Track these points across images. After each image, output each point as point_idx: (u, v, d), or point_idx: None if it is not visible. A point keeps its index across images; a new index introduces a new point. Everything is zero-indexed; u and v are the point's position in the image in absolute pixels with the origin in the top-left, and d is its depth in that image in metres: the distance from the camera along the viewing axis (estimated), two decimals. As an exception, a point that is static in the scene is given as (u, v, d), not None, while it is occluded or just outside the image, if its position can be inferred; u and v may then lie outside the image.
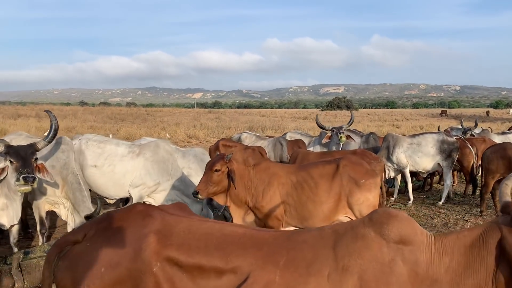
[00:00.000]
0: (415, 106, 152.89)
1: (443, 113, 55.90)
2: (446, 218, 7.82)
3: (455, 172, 11.37)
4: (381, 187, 6.96)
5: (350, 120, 9.22)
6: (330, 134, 8.81)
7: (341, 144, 8.61)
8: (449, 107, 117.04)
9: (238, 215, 4.56)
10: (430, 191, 10.57)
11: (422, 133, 9.23)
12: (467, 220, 7.58)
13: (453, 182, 11.60)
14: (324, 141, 8.75)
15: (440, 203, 8.92)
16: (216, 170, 4.33)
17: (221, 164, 4.35)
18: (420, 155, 8.89)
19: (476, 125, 13.09)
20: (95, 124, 34.07)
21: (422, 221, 7.59)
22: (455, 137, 9.03)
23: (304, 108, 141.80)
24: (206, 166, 4.45)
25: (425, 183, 10.80)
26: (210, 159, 7.01)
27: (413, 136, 9.19)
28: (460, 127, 14.27)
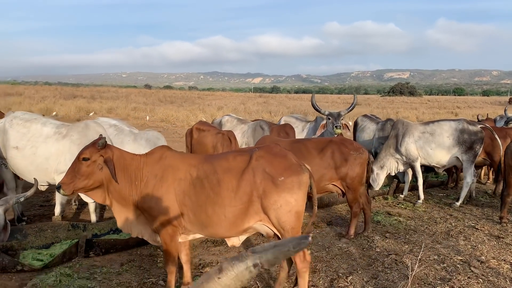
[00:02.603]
0: (485, 93, 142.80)
1: (511, 101, 51.20)
2: (454, 224, 6.41)
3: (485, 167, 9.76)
4: (368, 185, 5.81)
5: (351, 105, 7.92)
6: (325, 122, 7.59)
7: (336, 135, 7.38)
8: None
9: (123, 219, 3.62)
10: (455, 189, 9.04)
11: (438, 120, 7.74)
12: (478, 229, 6.14)
13: (488, 179, 9.97)
14: (318, 132, 7.53)
15: (458, 204, 7.47)
16: (84, 159, 3.41)
17: (91, 151, 3.42)
18: (433, 146, 7.45)
19: (523, 113, 11.14)
20: (139, 106, 34.42)
21: (422, 226, 6.27)
22: (480, 126, 7.46)
23: (366, 94, 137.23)
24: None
25: (449, 178, 9.28)
26: (164, 143, 6.15)
27: (427, 123, 7.73)
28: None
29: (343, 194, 5.53)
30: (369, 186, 8.18)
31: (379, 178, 8.03)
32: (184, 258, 3.91)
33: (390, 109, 39.22)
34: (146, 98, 48.45)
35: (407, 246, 5.36)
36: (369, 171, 5.59)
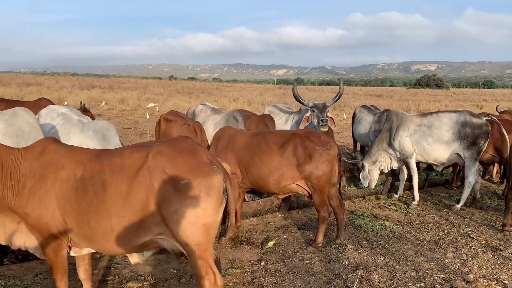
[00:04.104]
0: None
1: (542, 94, 48.64)
2: (447, 231, 5.55)
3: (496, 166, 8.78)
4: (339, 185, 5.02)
5: (337, 95, 7.09)
6: (309, 115, 6.81)
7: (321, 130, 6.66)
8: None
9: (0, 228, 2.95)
10: (461, 188, 8.10)
11: (437, 112, 6.82)
12: (473, 238, 5.26)
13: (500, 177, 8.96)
14: (302, 126, 6.76)
15: (458, 206, 6.59)
16: None
17: None
18: (430, 140, 6.56)
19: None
20: (153, 97, 34.09)
21: (409, 233, 5.43)
22: (485, 118, 6.54)
23: (391, 86, 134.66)
24: None
25: (454, 177, 8.34)
26: (115, 135, 5.50)
27: (425, 115, 6.83)
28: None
29: (310, 195, 4.76)
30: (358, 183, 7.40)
31: (372, 175, 7.20)
32: (82, 275, 3.23)
33: (412, 101, 37.77)
34: (163, 89, 48.24)
35: (382, 259, 4.56)
36: (341, 169, 4.78)
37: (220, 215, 2.82)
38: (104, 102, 27.99)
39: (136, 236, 2.74)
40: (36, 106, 7.65)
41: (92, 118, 8.92)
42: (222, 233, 4.96)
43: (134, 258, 2.97)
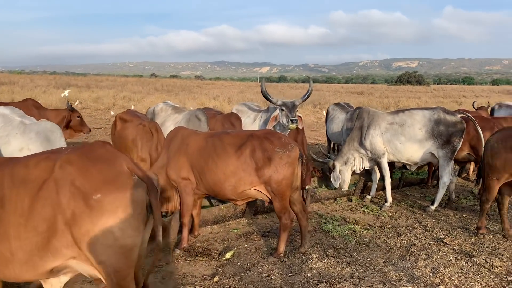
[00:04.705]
0: (495, 82, 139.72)
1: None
2: (419, 235, 5.23)
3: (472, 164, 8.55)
4: (305, 192, 4.64)
5: (306, 93, 6.71)
6: (277, 114, 6.42)
7: (288, 130, 6.32)
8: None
9: None
10: (437, 188, 7.83)
11: (410, 109, 6.51)
12: (446, 243, 4.95)
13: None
14: (269, 125, 6.38)
15: (432, 208, 6.30)
16: None
17: None
18: (402, 139, 6.25)
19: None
20: (129, 95, 33.39)
21: (379, 238, 5.09)
22: (460, 115, 6.25)
23: (373, 83, 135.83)
24: None
25: (430, 176, 8.06)
26: (60, 137, 5.04)
27: (397, 112, 6.52)
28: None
29: (271, 201, 4.38)
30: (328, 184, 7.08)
31: (343, 176, 6.87)
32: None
33: (392, 98, 37.78)
34: (142, 87, 47.39)
35: (348, 269, 4.20)
36: (304, 172, 4.40)
37: (146, 235, 2.40)
38: (78, 101, 27.26)
39: (42, 261, 2.31)
40: (23, 107, 7.04)
41: (80, 118, 8.51)
42: (176, 244, 4.59)
43: (47, 285, 2.54)
